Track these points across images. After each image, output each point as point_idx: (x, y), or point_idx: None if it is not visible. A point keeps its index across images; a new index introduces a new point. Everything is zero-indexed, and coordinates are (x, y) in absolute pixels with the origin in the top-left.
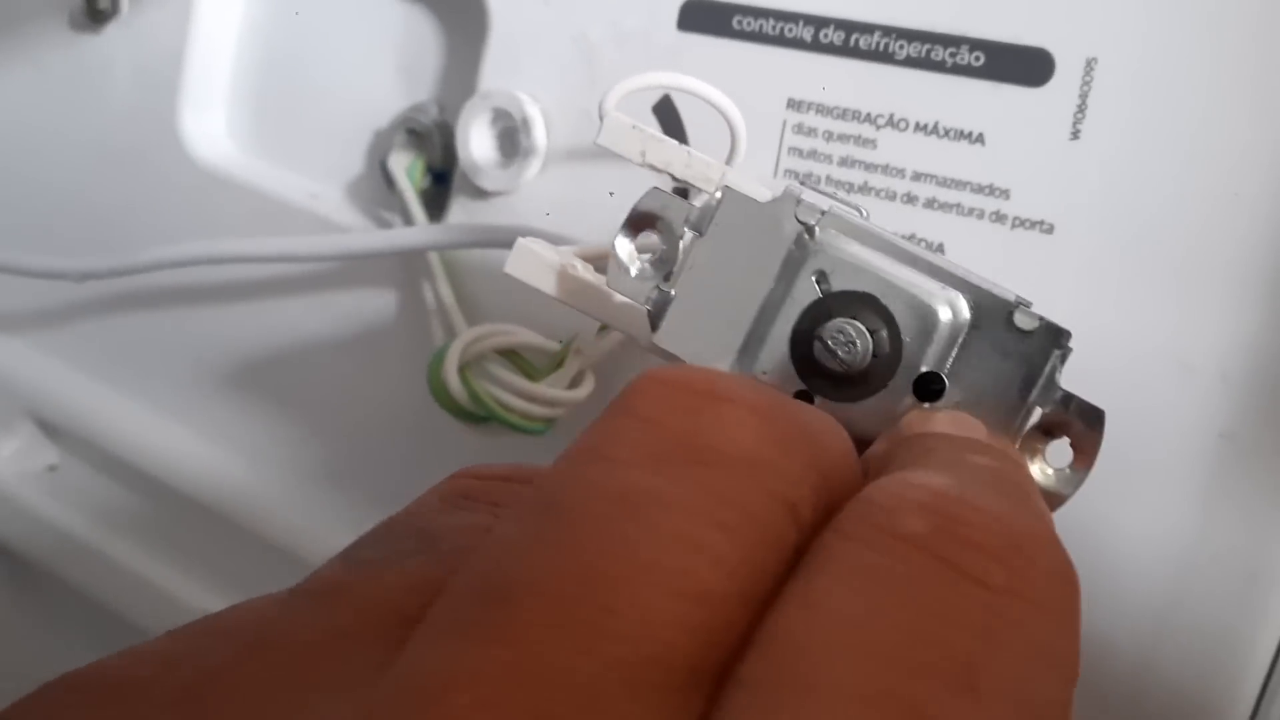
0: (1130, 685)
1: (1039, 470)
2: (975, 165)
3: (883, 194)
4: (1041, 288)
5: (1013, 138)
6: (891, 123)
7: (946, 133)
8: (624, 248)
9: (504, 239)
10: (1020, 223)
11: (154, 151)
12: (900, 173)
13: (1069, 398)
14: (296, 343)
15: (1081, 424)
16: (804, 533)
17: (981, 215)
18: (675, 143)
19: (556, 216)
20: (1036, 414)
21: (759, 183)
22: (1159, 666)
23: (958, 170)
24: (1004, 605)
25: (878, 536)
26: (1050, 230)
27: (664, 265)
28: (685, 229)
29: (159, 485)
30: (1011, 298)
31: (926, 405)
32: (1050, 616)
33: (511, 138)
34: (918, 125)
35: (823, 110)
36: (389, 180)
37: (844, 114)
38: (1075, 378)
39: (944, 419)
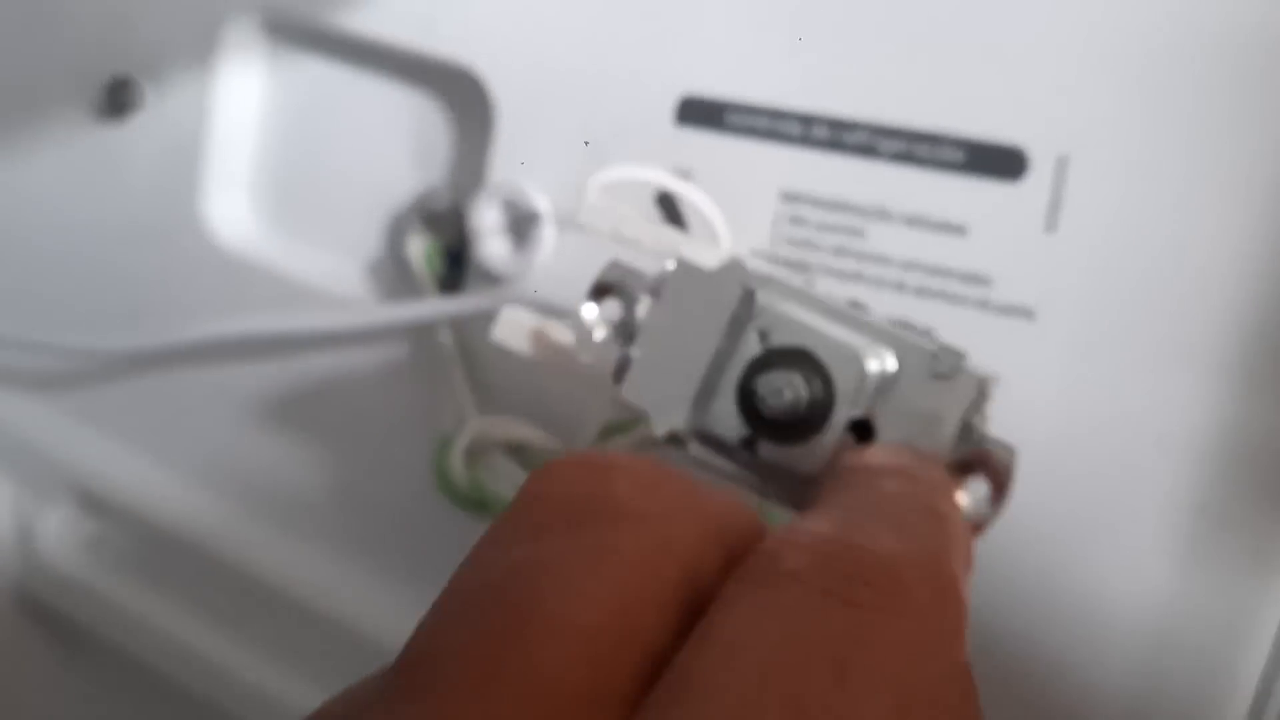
0: None
1: (964, 500)
2: (958, 255)
3: (875, 282)
4: (1023, 370)
5: (993, 229)
6: (880, 215)
7: (931, 224)
8: (589, 314)
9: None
10: (1002, 309)
11: (178, 237)
12: (889, 261)
13: (984, 438)
14: (317, 419)
15: (996, 461)
16: (701, 580)
17: (965, 302)
18: (642, 220)
19: (567, 293)
20: (960, 451)
21: (714, 255)
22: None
23: (942, 259)
24: (871, 617)
25: (763, 575)
26: (1031, 316)
27: (625, 328)
28: (643, 295)
29: (199, 551)
30: (934, 349)
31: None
32: (917, 618)
33: (521, 226)
34: (904, 217)
35: (815, 202)
36: (406, 264)
37: (834, 206)
38: (1059, 453)
39: (878, 450)
